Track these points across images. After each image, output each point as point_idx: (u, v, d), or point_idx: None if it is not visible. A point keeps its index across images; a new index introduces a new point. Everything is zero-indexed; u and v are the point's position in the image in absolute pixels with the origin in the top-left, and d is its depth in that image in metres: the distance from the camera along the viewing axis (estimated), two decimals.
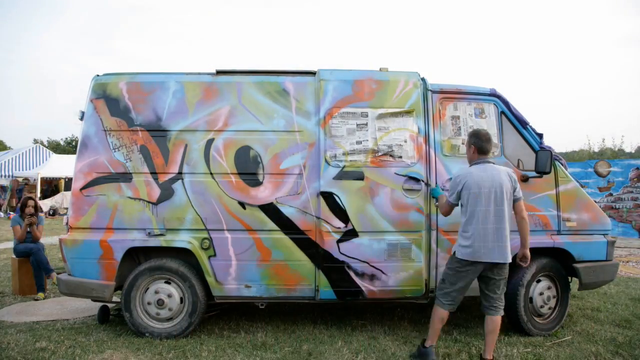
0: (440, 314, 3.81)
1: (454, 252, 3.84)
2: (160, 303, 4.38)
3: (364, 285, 4.40)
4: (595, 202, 4.89)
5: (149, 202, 4.39)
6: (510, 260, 3.69)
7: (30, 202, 6.57)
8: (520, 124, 4.63)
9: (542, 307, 4.55)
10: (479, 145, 3.79)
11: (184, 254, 4.43)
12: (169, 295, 4.40)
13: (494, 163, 3.82)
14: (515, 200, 3.75)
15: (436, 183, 4.42)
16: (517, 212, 3.77)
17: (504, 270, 3.72)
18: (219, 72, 4.60)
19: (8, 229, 14.92)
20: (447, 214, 4.05)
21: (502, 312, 3.75)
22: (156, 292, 4.39)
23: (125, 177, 4.43)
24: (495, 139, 4.55)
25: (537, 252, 4.55)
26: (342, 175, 4.41)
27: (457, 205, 3.88)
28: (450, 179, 4.42)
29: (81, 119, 4.58)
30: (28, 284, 6.25)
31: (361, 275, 4.39)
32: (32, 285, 6.24)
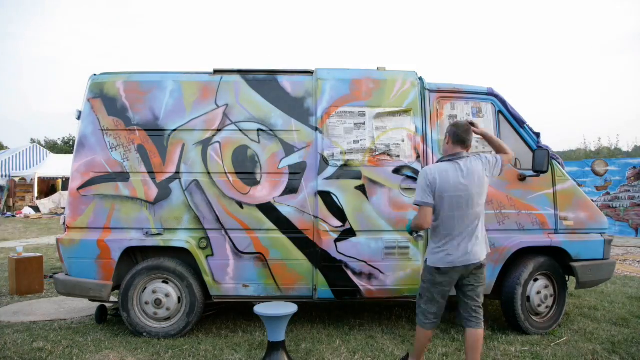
0: (423, 333, 3.41)
1: (426, 260, 3.42)
2: (157, 303, 4.37)
3: (361, 284, 4.40)
4: (593, 201, 4.90)
5: (146, 201, 4.39)
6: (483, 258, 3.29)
7: None
8: (517, 123, 4.63)
9: (539, 305, 4.56)
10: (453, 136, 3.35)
11: (181, 254, 4.43)
12: (167, 295, 4.39)
13: (468, 156, 3.33)
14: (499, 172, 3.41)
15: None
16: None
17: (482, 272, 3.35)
18: (216, 72, 4.59)
19: (4, 229, 14.89)
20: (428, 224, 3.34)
21: (482, 325, 3.36)
22: (154, 292, 4.39)
23: (122, 176, 4.42)
24: None
25: (534, 251, 4.57)
26: (340, 175, 4.41)
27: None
28: None
29: (78, 118, 4.57)
30: (25, 284, 6.24)
31: (359, 274, 4.40)
32: (30, 285, 6.23)
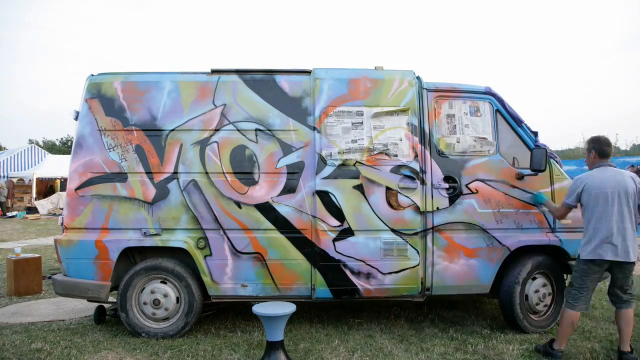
0: (571, 316, 3.83)
1: (579, 255, 3.88)
2: (156, 303, 4.37)
3: (360, 283, 4.41)
4: None
5: (144, 201, 4.39)
6: (635, 259, 3.72)
7: None
8: (515, 122, 4.64)
9: (537, 304, 4.57)
10: (599, 150, 3.89)
11: (179, 254, 4.42)
12: (165, 295, 4.39)
13: (614, 166, 3.90)
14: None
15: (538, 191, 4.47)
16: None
17: (629, 269, 3.78)
18: (214, 72, 4.59)
19: (3, 230, 14.87)
20: (562, 217, 4.16)
21: (633, 305, 3.84)
22: (152, 292, 4.38)
23: (120, 177, 4.42)
24: (490, 137, 4.57)
25: (532, 249, 4.58)
26: (338, 174, 4.41)
27: (575, 207, 3.97)
28: (446, 177, 4.44)
29: (76, 118, 4.56)
30: (23, 284, 6.23)
31: (357, 273, 4.40)
32: (28, 286, 6.22)
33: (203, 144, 4.44)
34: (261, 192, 4.41)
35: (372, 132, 4.46)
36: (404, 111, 4.51)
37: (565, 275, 4.75)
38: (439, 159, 4.50)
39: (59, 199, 20.95)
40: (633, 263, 3.75)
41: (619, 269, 3.78)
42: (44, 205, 21.05)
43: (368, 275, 4.40)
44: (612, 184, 3.74)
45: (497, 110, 4.63)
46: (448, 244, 4.43)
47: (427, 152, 4.50)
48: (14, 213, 20.22)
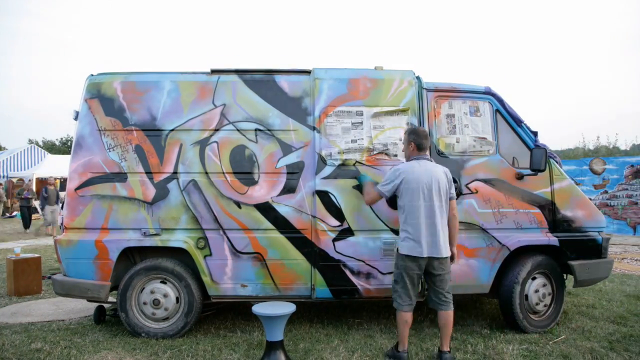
0: (402, 316, 3.80)
1: (397, 249, 3.89)
2: (156, 303, 4.37)
3: (360, 283, 4.41)
4: (590, 199, 4.91)
5: (144, 201, 4.38)
6: (447, 254, 3.76)
7: None
8: (515, 121, 4.64)
9: (537, 304, 4.57)
10: (418, 142, 3.89)
11: (179, 254, 4.42)
12: (165, 295, 4.39)
13: (431, 160, 3.96)
14: (450, 199, 3.86)
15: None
16: (450, 209, 3.86)
17: (444, 264, 3.77)
18: (213, 72, 4.59)
19: (2, 230, 14.86)
20: (371, 202, 4.18)
21: (451, 307, 3.79)
22: (152, 292, 4.38)
23: (120, 176, 4.41)
24: (490, 137, 4.57)
25: (532, 249, 4.58)
26: (338, 174, 4.41)
27: (387, 197, 3.98)
28: None
29: (75, 118, 4.56)
30: (23, 285, 6.23)
31: (357, 273, 4.40)
32: (28, 286, 6.22)
33: (203, 144, 4.44)
34: (261, 192, 4.40)
35: (372, 132, 4.46)
36: (403, 111, 4.51)
37: (565, 275, 4.75)
38: (439, 158, 4.49)
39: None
40: (446, 259, 3.77)
41: (432, 266, 3.75)
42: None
43: (368, 275, 4.40)
44: (426, 179, 3.76)
45: (497, 110, 4.63)
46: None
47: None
48: (14, 213, 20.19)
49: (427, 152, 3.98)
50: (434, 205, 3.74)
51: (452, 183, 3.90)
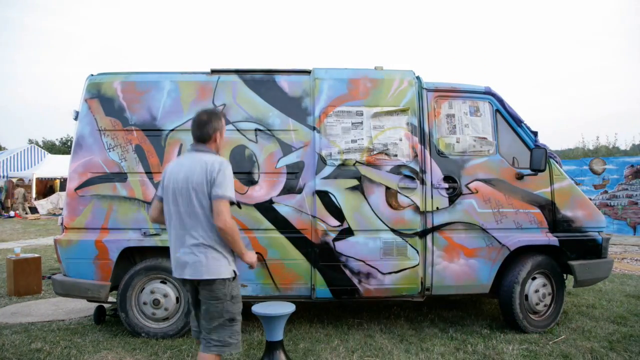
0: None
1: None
2: (156, 303, 4.37)
3: (360, 283, 4.40)
4: (590, 199, 4.91)
5: (144, 201, 4.38)
6: (206, 277, 2.66)
7: None
8: (515, 121, 4.64)
9: (537, 304, 4.57)
10: (192, 133, 2.84)
11: None
12: (165, 295, 4.38)
13: (206, 151, 2.78)
14: (211, 199, 2.66)
15: None
16: (213, 217, 2.66)
17: (209, 290, 2.70)
18: (213, 72, 4.59)
19: (2, 230, 14.86)
20: (153, 217, 2.95)
21: (212, 351, 2.67)
22: (152, 292, 4.38)
23: (120, 176, 4.41)
24: (490, 137, 4.57)
25: (532, 249, 4.58)
26: (338, 174, 4.41)
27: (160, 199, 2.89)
28: (445, 177, 4.44)
29: (75, 118, 4.56)
30: (23, 285, 6.23)
31: (357, 273, 4.40)
32: (28, 286, 6.22)
33: None
34: (261, 192, 4.40)
35: (372, 132, 4.46)
36: (403, 111, 4.51)
37: (565, 275, 4.75)
38: (439, 158, 4.50)
39: (59, 199, 20.94)
40: (213, 282, 2.68)
41: (196, 291, 2.78)
42: (43, 205, 21.05)
43: (368, 275, 4.40)
44: (182, 175, 2.71)
45: (497, 110, 4.64)
46: (448, 243, 4.44)
47: (427, 152, 4.49)
48: (13, 213, 20.19)
49: (208, 144, 2.80)
50: (180, 211, 2.70)
51: (216, 175, 2.64)
